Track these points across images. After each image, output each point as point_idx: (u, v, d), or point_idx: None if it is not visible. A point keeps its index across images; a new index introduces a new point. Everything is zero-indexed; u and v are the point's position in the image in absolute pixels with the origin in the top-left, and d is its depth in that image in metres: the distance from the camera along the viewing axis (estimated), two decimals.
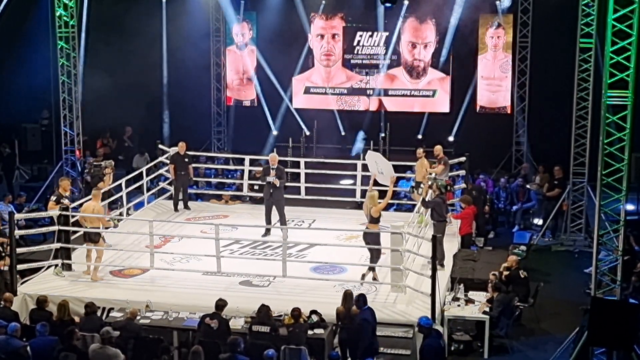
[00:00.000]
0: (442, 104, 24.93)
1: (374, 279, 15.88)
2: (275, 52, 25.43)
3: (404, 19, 24.54)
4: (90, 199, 16.95)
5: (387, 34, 24.82)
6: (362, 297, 13.67)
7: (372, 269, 15.97)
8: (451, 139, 24.38)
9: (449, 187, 17.82)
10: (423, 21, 24.53)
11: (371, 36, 24.99)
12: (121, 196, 19.31)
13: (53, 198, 17.30)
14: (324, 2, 24.85)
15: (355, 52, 25.14)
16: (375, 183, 17.31)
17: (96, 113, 24.77)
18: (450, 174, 19.51)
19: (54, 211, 16.58)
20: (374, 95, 25.08)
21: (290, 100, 25.77)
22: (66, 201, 17.00)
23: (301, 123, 25.44)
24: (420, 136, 24.78)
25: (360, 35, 25.03)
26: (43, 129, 25.74)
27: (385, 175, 17.32)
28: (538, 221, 21.26)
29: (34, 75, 25.02)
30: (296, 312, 13.77)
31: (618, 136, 14.62)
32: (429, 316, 14.08)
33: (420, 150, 19.36)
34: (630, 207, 16.50)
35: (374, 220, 15.93)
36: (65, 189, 17.49)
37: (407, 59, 24.90)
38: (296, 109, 25.75)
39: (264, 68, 25.94)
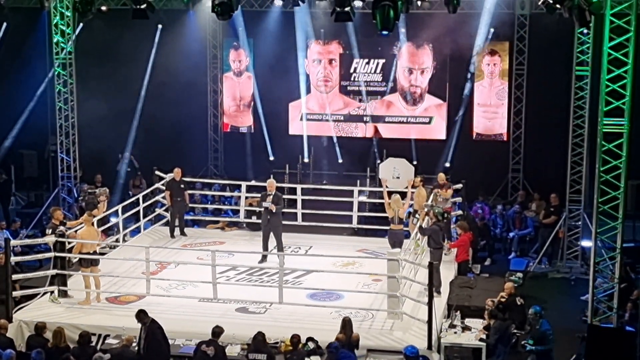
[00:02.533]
0: (438, 130, 24.96)
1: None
2: (272, 78, 25.48)
3: (400, 46, 24.59)
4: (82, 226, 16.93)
5: (383, 60, 24.89)
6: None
7: None
8: (447, 165, 24.39)
9: (446, 215, 17.84)
10: (420, 46, 24.60)
11: (367, 63, 25.07)
12: (117, 222, 19.29)
13: (49, 231, 17.26)
14: (322, 30, 24.90)
15: (352, 78, 25.20)
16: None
17: (92, 139, 24.80)
18: (450, 199, 19.55)
19: (50, 237, 16.55)
20: (370, 122, 25.11)
21: (287, 127, 25.78)
22: (62, 228, 16.98)
23: (304, 149, 25.41)
24: (415, 162, 24.81)
25: (357, 62, 25.11)
26: (52, 154, 25.63)
27: (401, 179, 18.54)
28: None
29: (31, 102, 25.08)
30: (295, 339, 13.75)
31: (614, 164, 14.67)
32: (426, 343, 14.10)
33: (417, 179, 19.40)
34: None
35: (401, 221, 17.79)
36: (58, 219, 17.47)
37: (403, 85, 24.96)
38: (293, 135, 25.77)
39: (261, 94, 26.00)
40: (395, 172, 18.45)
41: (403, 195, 18.36)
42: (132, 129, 25.28)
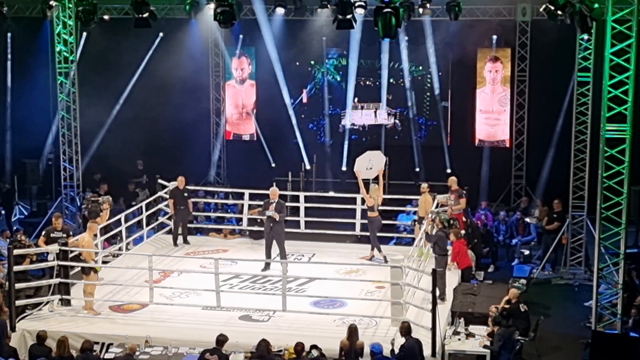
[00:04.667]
0: (441, 137, 24.97)
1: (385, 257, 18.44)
2: (274, 86, 25.54)
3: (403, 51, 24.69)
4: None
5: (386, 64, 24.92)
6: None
7: (379, 249, 18.91)
8: (449, 171, 24.39)
9: (452, 222, 17.82)
10: (422, 53, 24.64)
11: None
12: (120, 231, 19.29)
13: (43, 233, 17.33)
14: (324, 38, 24.93)
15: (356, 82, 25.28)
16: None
17: (94, 148, 24.87)
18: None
19: (53, 246, 16.56)
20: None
21: (290, 135, 25.81)
22: (56, 234, 17.06)
23: (304, 156, 25.48)
24: (417, 169, 24.84)
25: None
26: (49, 162, 25.69)
27: (373, 169, 19.25)
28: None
29: (35, 111, 25.14)
30: (299, 347, 13.72)
31: (617, 169, 14.67)
32: (430, 350, 14.09)
33: (424, 185, 19.43)
34: None
35: (372, 209, 18.84)
36: (56, 226, 17.49)
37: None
38: (296, 143, 25.80)
39: (263, 102, 26.04)
40: (370, 164, 18.93)
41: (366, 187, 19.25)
42: (134, 138, 25.31)
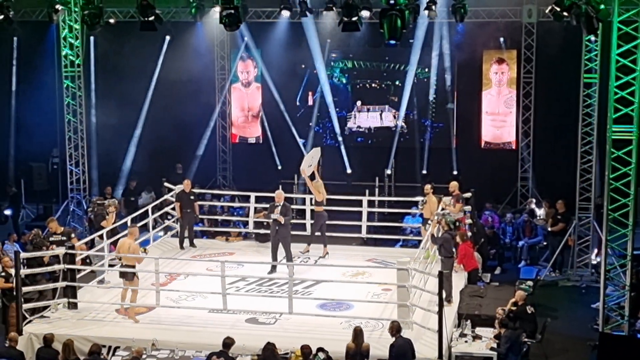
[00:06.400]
0: (447, 139, 24.96)
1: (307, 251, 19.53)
2: (280, 89, 25.56)
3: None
4: (125, 235, 17.03)
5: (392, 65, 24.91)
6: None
7: (325, 244, 19.57)
8: (455, 173, 24.37)
9: (457, 224, 17.79)
10: (427, 55, 24.64)
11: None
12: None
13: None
14: (329, 40, 24.93)
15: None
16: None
17: (101, 151, 24.88)
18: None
19: (60, 249, 16.58)
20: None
21: (295, 137, 25.83)
22: (55, 237, 17.13)
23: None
24: (424, 171, 24.79)
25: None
26: (55, 167, 25.74)
27: (312, 166, 19.61)
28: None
29: (41, 115, 25.19)
30: (306, 350, 13.70)
31: (624, 171, 14.64)
32: (437, 353, 14.08)
33: (428, 187, 19.39)
34: None
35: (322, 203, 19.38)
36: (52, 229, 17.49)
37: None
38: (303, 144, 25.81)
39: (269, 105, 26.05)
40: (311, 160, 19.40)
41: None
42: (140, 140, 25.34)
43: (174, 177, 22.91)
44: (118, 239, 19.26)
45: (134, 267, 16.43)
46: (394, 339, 13.92)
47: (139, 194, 24.61)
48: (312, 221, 19.90)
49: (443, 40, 24.17)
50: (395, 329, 14.00)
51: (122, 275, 16.45)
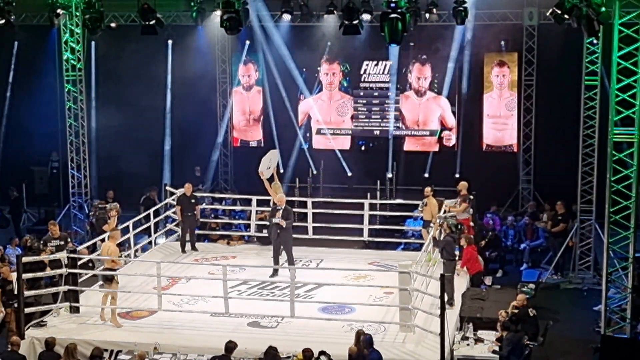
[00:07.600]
0: (448, 142, 24.95)
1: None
2: (281, 92, 25.57)
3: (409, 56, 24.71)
4: (107, 238, 17.01)
5: (391, 62, 24.85)
6: (368, 339, 13.67)
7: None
8: (457, 176, 24.35)
9: (460, 226, 17.79)
10: (429, 57, 24.62)
11: (376, 65, 25.10)
12: (128, 238, 19.32)
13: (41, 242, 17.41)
14: (329, 43, 24.94)
15: (362, 79, 25.24)
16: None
17: (103, 155, 24.88)
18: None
19: (61, 254, 16.58)
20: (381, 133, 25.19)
21: (296, 141, 25.82)
22: (53, 242, 17.12)
23: (310, 162, 25.47)
24: (427, 175, 24.78)
25: (367, 64, 25.12)
26: (54, 171, 25.74)
27: (271, 168, 19.63)
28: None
29: (42, 119, 25.20)
30: (308, 353, 13.69)
31: (625, 173, 14.64)
32: (439, 356, 14.06)
33: (428, 189, 19.38)
34: None
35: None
36: (54, 233, 17.51)
37: (414, 87, 24.95)
38: (303, 149, 25.80)
39: (270, 109, 26.05)
40: (270, 163, 19.52)
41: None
42: (142, 144, 25.34)
43: (193, 180, 22.96)
44: (120, 242, 19.34)
45: (113, 270, 16.37)
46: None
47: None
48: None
49: (444, 44, 24.13)
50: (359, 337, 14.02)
51: (102, 279, 16.41)
